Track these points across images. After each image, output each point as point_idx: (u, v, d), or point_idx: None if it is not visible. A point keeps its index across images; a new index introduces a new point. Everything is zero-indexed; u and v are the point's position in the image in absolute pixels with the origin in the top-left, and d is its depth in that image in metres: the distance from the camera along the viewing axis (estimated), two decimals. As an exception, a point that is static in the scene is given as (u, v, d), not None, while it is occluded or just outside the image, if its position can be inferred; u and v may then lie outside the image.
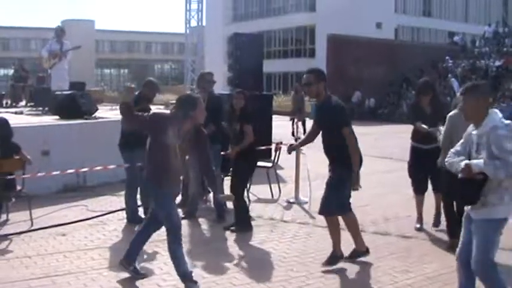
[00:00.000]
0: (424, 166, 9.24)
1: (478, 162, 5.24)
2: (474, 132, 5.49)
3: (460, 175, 5.36)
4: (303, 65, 53.78)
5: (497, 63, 37.90)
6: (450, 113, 8.36)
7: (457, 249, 5.75)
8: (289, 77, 57.95)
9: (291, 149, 8.34)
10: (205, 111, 6.85)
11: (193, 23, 15.29)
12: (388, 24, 56.81)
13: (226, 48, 19.46)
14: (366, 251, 7.81)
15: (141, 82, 10.15)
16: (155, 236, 8.88)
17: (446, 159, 5.70)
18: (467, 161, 5.32)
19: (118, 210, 10.23)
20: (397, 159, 17.04)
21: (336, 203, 7.44)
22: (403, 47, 44.06)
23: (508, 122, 5.33)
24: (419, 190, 9.54)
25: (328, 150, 7.49)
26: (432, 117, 9.04)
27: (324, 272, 7.27)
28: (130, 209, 9.70)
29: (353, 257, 7.74)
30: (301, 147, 9.41)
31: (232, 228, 9.21)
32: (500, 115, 5.42)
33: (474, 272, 5.50)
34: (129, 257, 6.99)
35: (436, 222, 9.48)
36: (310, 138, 8.06)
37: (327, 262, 7.53)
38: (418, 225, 9.45)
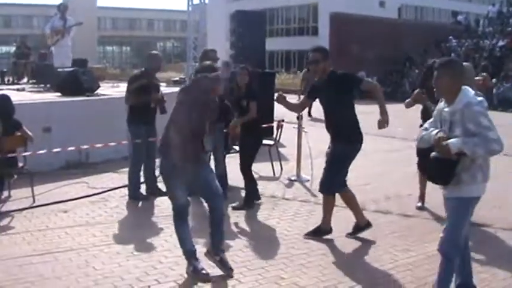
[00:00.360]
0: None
1: (455, 141, 5.08)
2: (446, 109, 5.34)
3: (434, 154, 5.26)
4: (306, 43, 53.59)
5: (501, 43, 37.72)
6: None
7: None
8: (291, 55, 57.81)
9: (280, 98, 8.08)
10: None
11: (196, 1, 15.25)
12: (392, 3, 56.53)
13: (228, 26, 19.35)
14: (368, 224, 7.86)
15: (143, 60, 10.14)
16: (158, 211, 8.93)
17: (418, 136, 5.63)
18: (448, 141, 5.12)
19: (120, 187, 10.25)
20: (400, 138, 17.05)
21: (336, 180, 7.48)
22: (406, 26, 43.85)
23: (480, 98, 5.23)
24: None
25: (332, 125, 7.51)
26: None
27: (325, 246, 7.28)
28: (133, 185, 9.72)
29: (355, 232, 7.81)
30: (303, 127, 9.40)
31: (233, 205, 9.21)
32: (473, 92, 5.31)
33: (439, 250, 5.49)
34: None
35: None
36: (296, 108, 8.47)
37: (310, 233, 7.76)
38: (419, 204, 9.45)
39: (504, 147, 5.04)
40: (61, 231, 7.88)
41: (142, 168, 9.82)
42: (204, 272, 6.29)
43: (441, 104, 5.46)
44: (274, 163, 11.84)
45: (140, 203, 9.56)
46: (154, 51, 10.30)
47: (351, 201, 7.80)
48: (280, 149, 12.71)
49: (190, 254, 6.42)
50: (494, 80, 31.10)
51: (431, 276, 6.43)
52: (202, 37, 15.67)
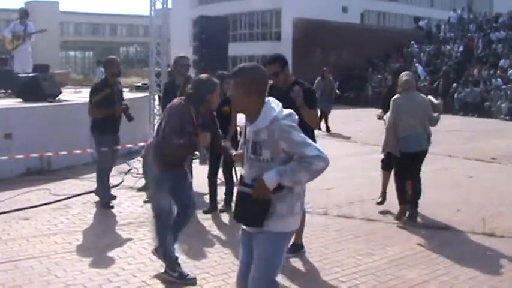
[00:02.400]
0: None
1: (271, 174, 4.19)
2: (249, 128, 4.39)
3: (242, 188, 4.40)
4: (269, 49, 53.69)
5: (462, 48, 38.23)
6: (394, 97, 8.69)
7: (237, 271, 4.75)
8: (254, 60, 57.85)
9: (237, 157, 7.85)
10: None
11: (158, 6, 15.11)
12: (354, 8, 56.80)
13: (192, 31, 19.34)
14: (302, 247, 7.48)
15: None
16: (119, 218, 8.86)
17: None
18: (264, 176, 4.21)
19: (81, 194, 10.17)
20: (362, 142, 17.17)
21: None
22: (368, 32, 44.22)
23: (288, 110, 4.36)
24: (388, 166, 9.56)
25: None
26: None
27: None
28: (101, 193, 9.65)
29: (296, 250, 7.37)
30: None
31: (206, 210, 9.25)
32: (279, 103, 4.41)
33: None
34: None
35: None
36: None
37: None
38: (379, 199, 9.60)
39: (329, 160, 4.28)
40: (22, 239, 7.77)
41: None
42: (189, 277, 6.34)
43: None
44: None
45: (99, 210, 9.46)
46: (111, 56, 10.22)
47: None
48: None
49: (175, 262, 6.41)
50: (455, 85, 31.53)
51: (393, 280, 6.51)
52: (165, 42, 15.55)
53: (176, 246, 6.60)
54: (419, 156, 8.94)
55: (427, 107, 8.86)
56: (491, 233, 8.31)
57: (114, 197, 9.90)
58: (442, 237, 8.15)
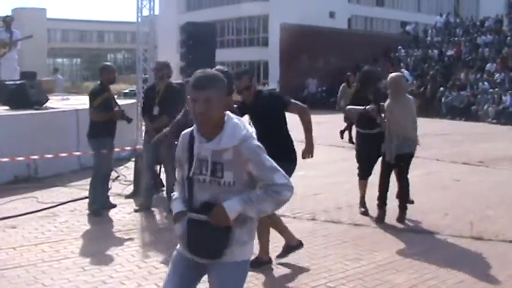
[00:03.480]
0: (371, 151, 9.36)
1: (234, 202, 3.68)
2: (208, 146, 3.77)
3: (193, 215, 3.81)
4: (257, 54, 53.93)
5: (449, 52, 38.41)
6: (386, 103, 8.75)
7: None
8: (242, 66, 57.92)
9: None
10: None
11: (145, 12, 15.09)
12: (342, 13, 57.15)
13: (179, 38, 19.34)
14: (300, 244, 7.43)
15: (94, 72, 10.09)
16: (109, 226, 8.82)
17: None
18: (224, 203, 3.70)
19: (69, 202, 10.13)
20: (350, 147, 17.16)
21: None
22: (356, 37, 44.31)
23: (251, 129, 3.85)
24: (364, 175, 9.65)
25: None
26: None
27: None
28: (98, 199, 9.59)
29: (286, 252, 7.34)
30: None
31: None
32: (241, 118, 3.89)
33: None
34: None
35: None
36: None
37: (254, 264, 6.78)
38: (363, 209, 9.60)
39: (294, 189, 3.80)
40: (9, 247, 7.73)
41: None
42: None
43: (197, 142, 3.86)
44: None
45: (87, 218, 9.42)
46: (107, 63, 10.26)
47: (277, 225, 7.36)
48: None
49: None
50: (442, 89, 31.65)
51: (381, 285, 6.51)
52: (152, 49, 15.51)
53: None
54: (407, 158, 9.01)
55: (414, 110, 8.97)
56: (478, 236, 8.34)
57: (114, 205, 9.88)
58: (429, 241, 8.17)
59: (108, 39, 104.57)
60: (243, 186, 3.78)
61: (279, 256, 7.30)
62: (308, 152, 7.30)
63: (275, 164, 3.79)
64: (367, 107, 8.96)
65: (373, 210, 9.40)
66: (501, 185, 12.32)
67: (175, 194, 4.11)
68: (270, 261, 7.13)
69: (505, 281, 6.70)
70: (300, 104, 7.35)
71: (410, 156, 9.02)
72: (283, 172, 3.79)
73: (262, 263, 6.99)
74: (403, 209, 9.10)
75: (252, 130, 3.87)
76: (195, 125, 3.83)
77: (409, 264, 7.23)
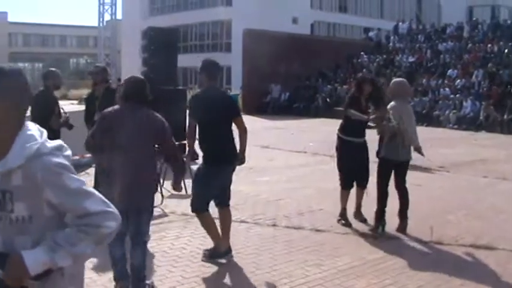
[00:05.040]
0: (355, 160, 9.24)
1: (35, 254, 2.63)
2: None
3: None
4: (219, 60, 53.18)
5: (411, 59, 38.79)
6: (391, 104, 8.76)
7: None
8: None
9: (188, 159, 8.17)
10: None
11: (107, 17, 15.06)
12: (305, 19, 57.34)
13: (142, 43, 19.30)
14: (228, 250, 7.59)
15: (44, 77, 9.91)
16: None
17: None
18: (24, 253, 2.62)
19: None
20: (311, 153, 17.23)
21: (199, 198, 7.43)
22: (318, 42, 44.46)
23: (56, 142, 2.83)
24: (348, 184, 9.43)
25: (210, 142, 7.35)
26: (364, 111, 9.16)
27: (220, 265, 7.24)
28: None
29: (212, 256, 7.52)
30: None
31: None
32: (42, 129, 2.86)
33: None
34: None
35: (362, 217, 9.50)
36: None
37: (206, 256, 7.54)
38: (343, 221, 9.36)
39: (119, 215, 2.81)
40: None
41: None
42: None
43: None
44: (186, 180, 11.72)
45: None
46: (52, 68, 10.14)
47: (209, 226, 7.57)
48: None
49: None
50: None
51: (341, 290, 6.50)
52: (114, 54, 15.45)
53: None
54: (404, 166, 9.04)
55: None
56: (438, 241, 8.39)
57: None
58: (390, 246, 8.19)
59: (70, 44, 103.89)
60: (45, 224, 2.75)
61: (204, 257, 7.54)
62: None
63: (85, 186, 2.77)
64: (371, 117, 8.98)
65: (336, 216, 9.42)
66: (461, 189, 12.46)
67: None
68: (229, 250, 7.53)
69: (463, 285, 6.75)
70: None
71: (408, 163, 9.07)
72: (98, 194, 2.80)
73: (220, 255, 7.42)
74: (405, 218, 9.00)
75: (55, 143, 2.85)
76: None
77: (369, 269, 7.23)
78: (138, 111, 6.06)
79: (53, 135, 8.44)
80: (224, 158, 7.36)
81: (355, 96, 9.35)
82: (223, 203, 7.61)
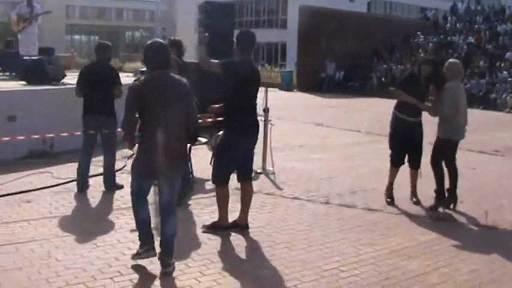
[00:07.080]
0: (407, 139, 9.17)
1: None
2: None
3: None
4: (275, 36, 53.72)
5: (469, 40, 38.09)
6: (448, 83, 8.81)
7: None
8: (260, 47, 57.76)
9: None
10: None
11: (165, -9, 15.07)
12: (361, -3, 56.80)
13: (198, 17, 19.38)
14: (233, 226, 7.72)
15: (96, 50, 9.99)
16: (121, 203, 8.83)
17: None
18: None
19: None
20: (365, 132, 17.12)
21: (220, 171, 7.50)
22: (375, 21, 43.96)
23: None
24: (397, 163, 9.39)
25: (239, 113, 7.40)
26: (424, 91, 9.13)
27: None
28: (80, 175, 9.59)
29: (213, 228, 7.66)
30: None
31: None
32: None
33: None
34: None
35: (417, 199, 9.40)
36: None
37: (207, 226, 7.68)
38: (389, 199, 9.37)
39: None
40: (23, 221, 7.76)
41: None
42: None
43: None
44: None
45: (101, 194, 9.41)
46: (104, 41, 10.26)
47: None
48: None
49: None
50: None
51: (393, 270, 6.50)
52: (170, 28, 15.52)
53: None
54: (457, 145, 9.24)
55: None
56: (493, 225, 8.30)
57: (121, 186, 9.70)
58: (444, 229, 8.12)
59: (126, 17, 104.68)
60: None
61: (204, 226, 7.71)
62: None
63: None
64: (421, 105, 9.04)
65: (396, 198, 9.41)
66: (517, 174, 12.26)
67: None
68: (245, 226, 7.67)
69: (519, 271, 6.68)
70: None
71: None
72: None
73: (220, 228, 7.55)
74: (455, 193, 9.16)
75: None
76: None
77: (422, 250, 7.20)
78: (164, 76, 6.15)
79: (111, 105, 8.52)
80: (251, 129, 7.44)
81: (414, 75, 9.28)
82: (246, 177, 7.66)
